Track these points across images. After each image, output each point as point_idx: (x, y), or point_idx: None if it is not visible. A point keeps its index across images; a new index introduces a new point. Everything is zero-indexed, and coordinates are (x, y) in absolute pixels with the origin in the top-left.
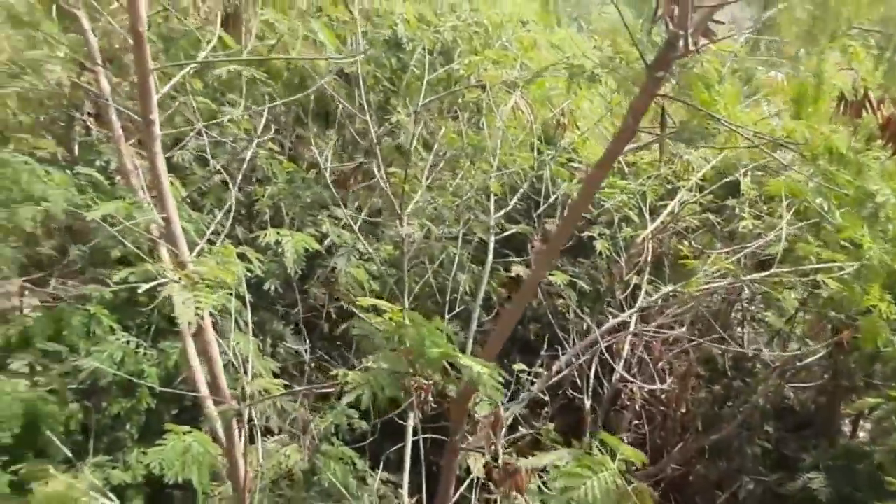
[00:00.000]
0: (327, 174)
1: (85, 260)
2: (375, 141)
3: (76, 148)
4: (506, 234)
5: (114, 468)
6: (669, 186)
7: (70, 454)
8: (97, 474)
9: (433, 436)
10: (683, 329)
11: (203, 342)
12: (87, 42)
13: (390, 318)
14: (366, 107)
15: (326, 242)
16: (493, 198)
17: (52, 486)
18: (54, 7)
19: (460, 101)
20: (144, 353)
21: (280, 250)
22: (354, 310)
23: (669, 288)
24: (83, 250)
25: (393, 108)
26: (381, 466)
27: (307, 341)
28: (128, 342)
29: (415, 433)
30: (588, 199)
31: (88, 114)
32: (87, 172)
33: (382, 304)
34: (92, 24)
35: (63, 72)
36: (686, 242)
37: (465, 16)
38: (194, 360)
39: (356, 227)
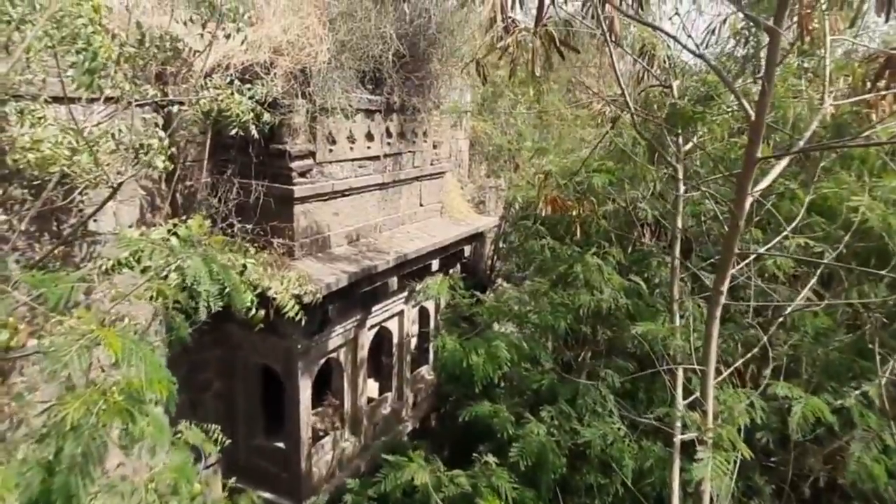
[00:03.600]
0: None
1: (609, 345)
2: None
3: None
4: None
5: None
6: None
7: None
8: None
9: None
10: None
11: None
12: None
13: None
14: None
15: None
16: None
17: None
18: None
19: None
20: (629, 444)
21: (786, 405)
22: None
23: None
24: (608, 336)
25: None
26: None
27: None
28: (619, 429)
29: None
30: None
31: (647, 226)
32: (636, 281)
33: None
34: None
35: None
36: None
37: None
38: (675, 482)
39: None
